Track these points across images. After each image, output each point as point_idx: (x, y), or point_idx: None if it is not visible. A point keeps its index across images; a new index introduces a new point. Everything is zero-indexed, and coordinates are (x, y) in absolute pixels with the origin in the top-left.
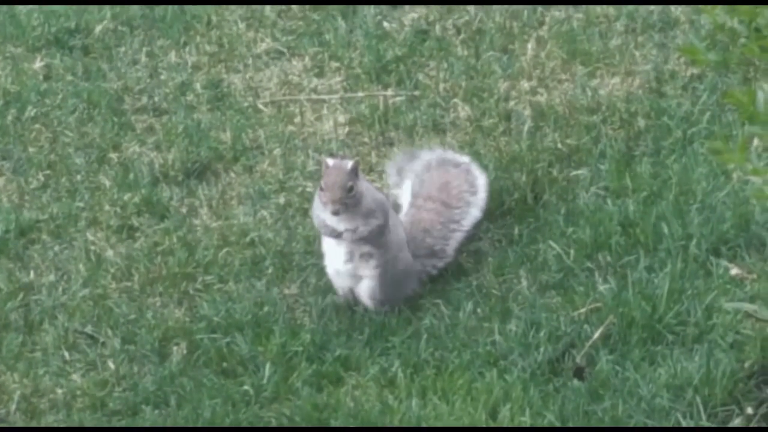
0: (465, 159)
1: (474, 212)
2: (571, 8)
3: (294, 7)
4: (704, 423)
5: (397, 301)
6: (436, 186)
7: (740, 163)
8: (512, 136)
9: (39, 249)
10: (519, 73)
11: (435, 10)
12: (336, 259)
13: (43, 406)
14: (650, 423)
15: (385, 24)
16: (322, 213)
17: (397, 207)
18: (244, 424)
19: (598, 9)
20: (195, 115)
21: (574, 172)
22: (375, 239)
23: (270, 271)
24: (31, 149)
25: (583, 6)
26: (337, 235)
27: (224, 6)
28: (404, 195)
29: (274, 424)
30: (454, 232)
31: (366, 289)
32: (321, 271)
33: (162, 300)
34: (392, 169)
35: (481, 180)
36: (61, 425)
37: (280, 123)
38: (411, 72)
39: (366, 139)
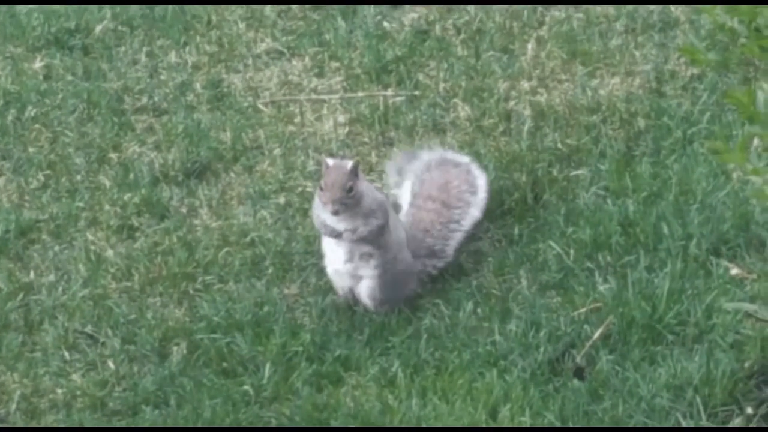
0: (465, 159)
1: (474, 212)
2: (571, 8)
3: (294, 7)
4: (704, 423)
5: (398, 301)
6: (435, 186)
7: (740, 163)
8: (512, 136)
9: (39, 249)
10: (519, 73)
11: (435, 10)
12: (336, 259)
13: (43, 406)
14: (650, 423)
15: (385, 24)
16: (322, 213)
17: (397, 207)
18: (244, 424)
19: (598, 9)
20: (195, 115)
21: (574, 172)
22: (375, 239)
23: (270, 271)
24: (31, 149)
25: (583, 6)
26: (336, 235)
27: (224, 6)
28: (404, 195)
29: (274, 424)
30: (454, 232)
31: (366, 289)
32: (321, 271)
33: (162, 300)
34: (392, 170)
35: (482, 180)
36: (61, 425)
37: (280, 123)
38: (411, 72)
39: (366, 139)
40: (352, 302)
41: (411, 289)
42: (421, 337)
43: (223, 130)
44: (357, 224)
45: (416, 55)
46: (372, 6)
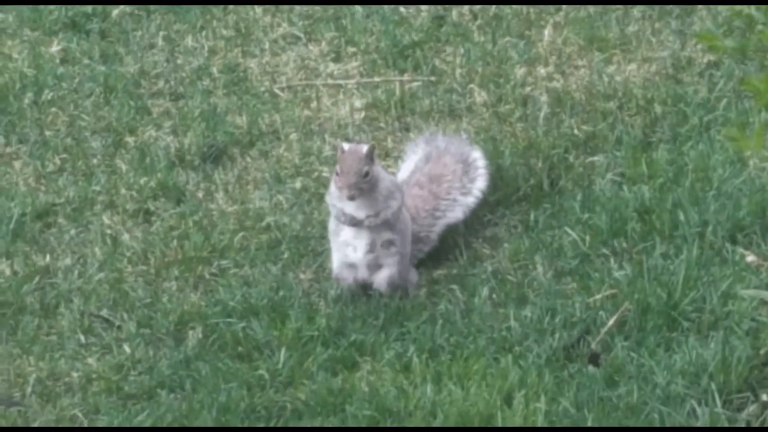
0: (475, 154)
1: (457, 211)
2: None
3: None
4: (719, 410)
5: (408, 285)
6: (429, 176)
7: (757, 150)
8: (529, 122)
9: (55, 232)
10: (536, 59)
11: None
12: (356, 251)
13: (59, 390)
14: (665, 410)
15: (402, 9)
16: (339, 202)
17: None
18: (259, 409)
19: None
20: (211, 100)
21: (591, 159)
22: (395, 222)
23: (286, 255)
24: (47, 133)
25: None
26: (356, 223)
27: None
28: (401, 173)
29: (289, 408)
30: (439, 219)
31: (385, 277)
32: None
33: (178, 284)
34: (410, 148)
35: (478, 184)
36: (77, 409)
37: (296, 108)
38: (428, 57)
39: (382, 125)
40: (360, 291)
41: (414, 274)
42: (436, 323)
43: (239, 114)
44: (378, 208)
45: (433, 41)
46: None
